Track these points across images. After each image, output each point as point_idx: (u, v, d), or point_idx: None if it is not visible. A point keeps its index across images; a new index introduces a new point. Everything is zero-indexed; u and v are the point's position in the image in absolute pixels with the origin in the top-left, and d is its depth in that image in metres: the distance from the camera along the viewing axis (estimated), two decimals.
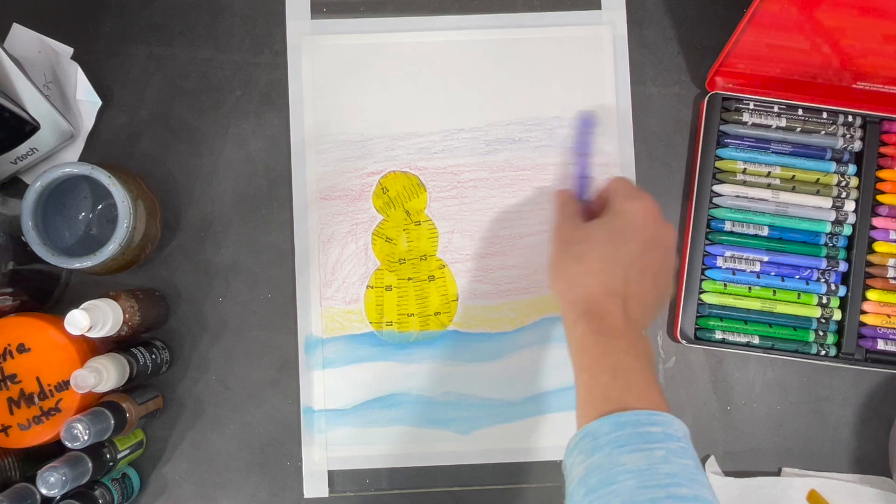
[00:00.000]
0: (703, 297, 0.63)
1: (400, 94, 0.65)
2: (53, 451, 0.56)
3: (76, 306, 0.52)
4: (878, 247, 0.64)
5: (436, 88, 0.65)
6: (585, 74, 0.65)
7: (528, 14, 0.66)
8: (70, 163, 0.56)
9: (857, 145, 0.64)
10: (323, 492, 0.63)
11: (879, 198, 0.64)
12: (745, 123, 0.64)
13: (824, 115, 0.64)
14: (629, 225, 0.53)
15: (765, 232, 0.64)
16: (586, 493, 0.42)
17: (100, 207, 0.62)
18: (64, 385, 0.55)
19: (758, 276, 0.63)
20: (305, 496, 0.63)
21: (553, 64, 0.65)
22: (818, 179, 0.64)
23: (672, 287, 0.56)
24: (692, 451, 0.44)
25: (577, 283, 0.52)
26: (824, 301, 0.63)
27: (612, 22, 0.66)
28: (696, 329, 0.63)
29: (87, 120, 0.64)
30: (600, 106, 0.65)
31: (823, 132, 0.64)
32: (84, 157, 0.64)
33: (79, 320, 0.51)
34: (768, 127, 0.64)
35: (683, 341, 0.63)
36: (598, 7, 0.66)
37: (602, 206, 0.56)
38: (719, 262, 0.63)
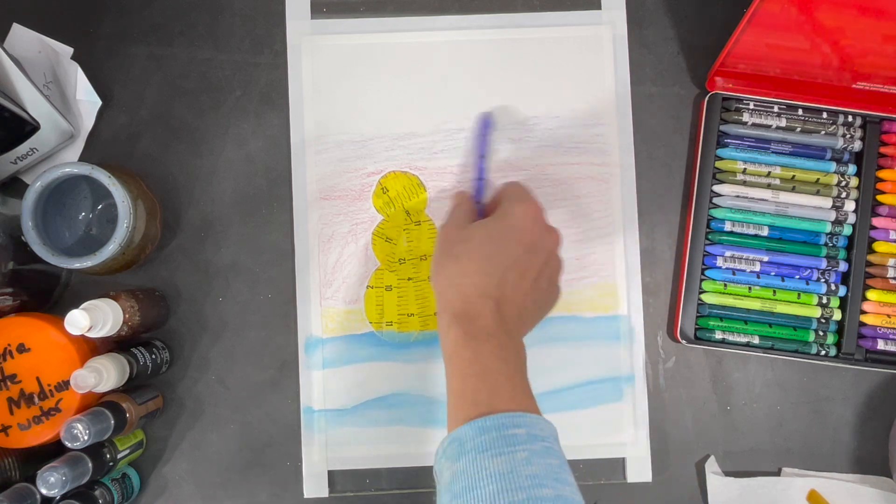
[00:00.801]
0: (703, 297, 0.63)
1: (400, 94, 0.65)
2: (53, 451, 0.56)
3: (76, 306, 0.52)
4: (878, 247, 0.64)
5: (436, 88, 0.65)
6: (585, 74, 0.65)
7: (527, 14, 0.66)
8: (70, 163, 0.56)
9: (857, 145, 0.64)
10: (323, 492, 0.63)
11: (879, 198, 0.64)
12: (745, 123, 0.64)
13: (824, 115, 0.64)
14: (511, 227, 0.53)
15: (765, 232, 0.64)
16: (451, 500, 0.42)
17: (100, 207, 0.62)
18: (64, 385, 0.55)
19: (758, 276, 0.63)
20: (305, 496, 0.63)
21: (553, 64, 0.65)
22: (818, 179, 0.64)
23: (558, 293, 0.55)
24: (558, 451, 0.44)
25: (452, 283, 0.51)
26: (824, 301, 0.63)
27: (611, 22, 0.66)
28: (696, 329, 0.63)
29: (87, 120, 0.64)
30: (600, 106, 0.65)
31: (823, 132, 0.64)
32: (84, 157, 0.64)
33: (79, 320, 0.52)
34: (768, 127, 0.64)
35: (683, 341, 0.63)
36: (598, 7, 0.66)
37: (495, 209, 0.56)
38: (719, 262, 0.63)
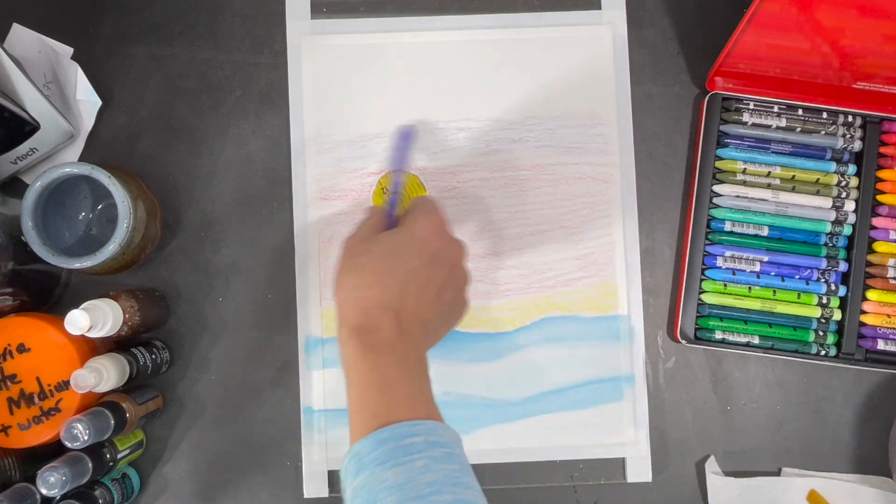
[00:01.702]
0: (703, 297, 0.63)
1: (400, 94, 0.65)
2: (53, 451, 0.56)
3: (76, 306, 0.52)
4: (878, 247, 0.64)
5: (436, 88, 0.65)
6: (585, 74, 0.65)
7: (528, 14, 0.66)
8: (70, 163, 0.56)
9: (857, 145, 0.64)
10: (323, 492, 0.63)
11: (879, 198, 0.64)
12: (745, 123, 0.64)
13: (824, 115, 0.64)
14: (413, 239, 0.52)
15: (765, 232, 0.64)
16: None
17: (100, 207, 0.62)
18: (64, 385, 0.55)
19: (758, 276, 0.63)
20: (305, 496, 0.63)
21: (553, 64, 0.65)
22: (818, 179, 0.64)
23: (465, 306, 0.55)
24: (458, 456, 0.44)
25: (351, 295, 0.50)
26: (824, 301, 0.63)
27: (611, 22, 0.66)
28: (696, 329, 0.63)
29: (87, 120, 0.64)
30: (600, 106, 0.65)
31: (823, 132, 0.64)
32: (84, 157, 0.64)
33: (79, 320, 0.51)
34: (768, 127, 0.64)
35: (683, 341, 0.63)
36: (598, 7, 0.66)
37: None
38: (719, 262, 0.63)
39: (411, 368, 0.48)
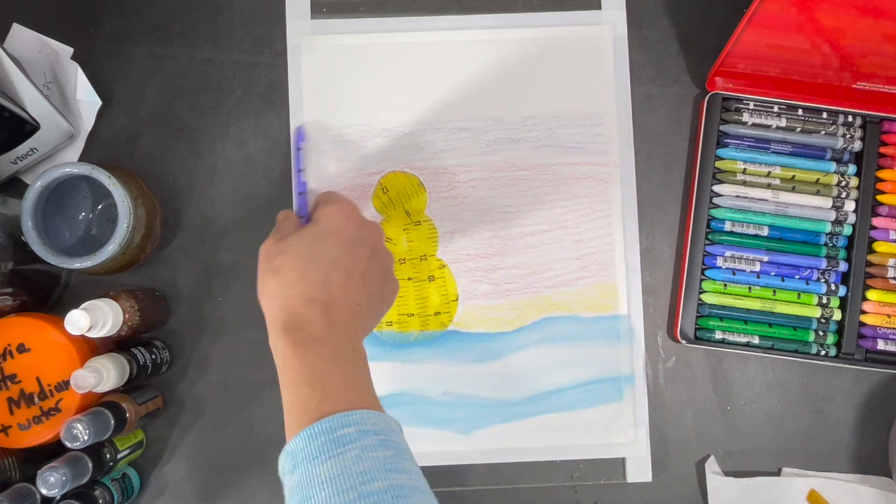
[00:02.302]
0: (703, 297, 0.63)
1: (400, 94, 0.65)
2: (53, 451, 0.56)
3: (76, 306, 0.52)
4: (878, 247, 0.64)
5: (436, 88, 0.65)
6: (585, 74, 0.65)
7: (528, 14, 0.66)
8: (70, 163, 0.56)
9: (857, 145, 0.64)
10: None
11: (879, 198, 0.64)
12: (745, 123, 0.64)
13: (824, 115, 0.64)
14: (326, 230, 0.52)
15: (765, 232, 0.64)
16: None
17: (100, 207, 0.62)
18: (64, 385, 0.55)
19: (758, 276, 0.63)
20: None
21: (553, 64, 0.65)
22: (818, 179, 0.64)
23: (395, 285, 0.55)
24: (394, 442, 0.44)
25: (276, 296, 0.50)
26: (824, 301, 0.63)
27: (612, 22, 0.66)
28: (696, 329, 0.63)
29: (87, 120, 0.64)
30: (600, 106, 0.65)
31: (823, 132, 0.64)
32: (84, 157, 0.64)
33: (79, 320, 0.51)
34: (768, 127, 0.64)
35: (683, 341, 0.63)
36: (599, 7, 0.66)
37: None
38: (719, 262, 0.63)
39: (343, 360, 0.47)
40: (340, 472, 0.41)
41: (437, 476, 0.64)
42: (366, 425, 0.43)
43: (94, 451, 0.55)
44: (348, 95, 0.65)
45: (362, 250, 0.52)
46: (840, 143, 0.64)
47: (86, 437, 0.51)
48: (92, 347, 0.58)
